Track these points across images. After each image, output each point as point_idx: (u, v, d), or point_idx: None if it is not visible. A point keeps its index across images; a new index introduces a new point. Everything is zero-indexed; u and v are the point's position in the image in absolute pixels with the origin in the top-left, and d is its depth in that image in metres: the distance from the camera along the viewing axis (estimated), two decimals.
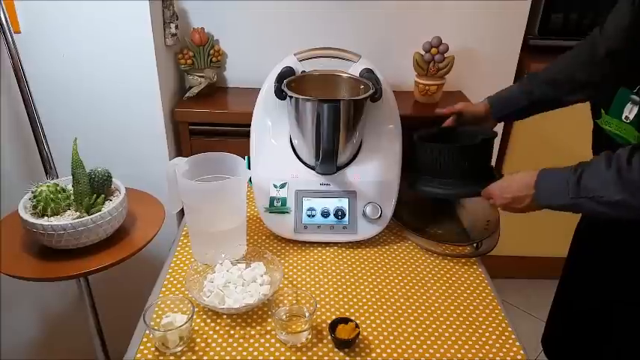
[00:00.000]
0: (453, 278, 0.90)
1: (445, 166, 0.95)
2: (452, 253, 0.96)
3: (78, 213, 0.94)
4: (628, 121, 0.76)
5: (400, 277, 0.89)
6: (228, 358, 0.72)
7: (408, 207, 1.07)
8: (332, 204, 0.97)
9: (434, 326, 0.79)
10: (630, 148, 0.68)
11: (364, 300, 0.84)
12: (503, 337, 0.77)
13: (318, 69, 1.03)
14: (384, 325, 0.79)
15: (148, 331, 0.75)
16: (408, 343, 0.76)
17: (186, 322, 0.72)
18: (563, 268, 1.03)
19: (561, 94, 0.96)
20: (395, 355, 0.74)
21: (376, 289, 0.86)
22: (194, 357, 0.72)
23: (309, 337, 0.76)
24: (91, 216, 0.90)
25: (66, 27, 1.11)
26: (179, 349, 0.73)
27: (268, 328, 0.77)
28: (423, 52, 1.32)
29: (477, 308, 0.83)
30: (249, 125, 1.02)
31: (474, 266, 0.93)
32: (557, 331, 1.03)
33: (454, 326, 0.79)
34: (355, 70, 1.00)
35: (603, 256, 0.90)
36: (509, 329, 0.79)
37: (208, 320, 0.79)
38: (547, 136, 1.61)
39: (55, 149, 1.15)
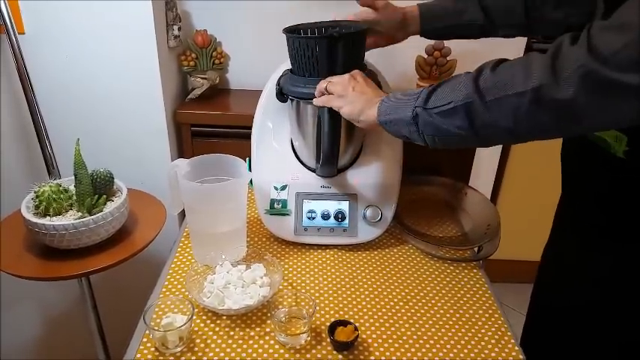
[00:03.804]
0: (453, 282, 0.90)
1: (308, 61, 0.84)
2: (452, 257, 0.96)
3: (80, 213, 0.95)
4: None
5: (400, 281, 0.89)
6: (227, 358, 0.72)
7: (408, 210, 1.07)
8: (332, 206, 0.97)
9: (433, 330, 0.79)
10: (500, 58, 0.61)
11: (363, 303, 0.84)
12: (503, 342, 0.77)
13: None
14: (383, 328, 0.79)
15: (148, 332, 0.76)
16: (407, 346, 0.76)
17: (186, 323, 0.73)
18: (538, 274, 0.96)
19: (494, 25, 0.89)
20: (394, 358, 0.73)
21: (376, 292, 0.86)
22: (193, 357, 0.73)
23: (308, 339, 0.76)
24: (93, 216, 0.91)
25: (69, 28, 1.12)
26: (179, 349, 0.73)
27: (267, 329, 0.78)
28: (425, 55, 1.32)
29: (477, 312, 0.83)
30: (250, 127, 1.02)
31: (474, 270, 0.93)
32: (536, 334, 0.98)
33: (453, 330, 0.79)
34: None
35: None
36: (509, 333, 0.79)
37: (208, 321, 0.79)
38: (550, 141, 1.61)
39: (58, 150, 1.16)
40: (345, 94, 0.78)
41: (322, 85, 0.81)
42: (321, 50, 0.83)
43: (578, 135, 0.73)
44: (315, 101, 0.83)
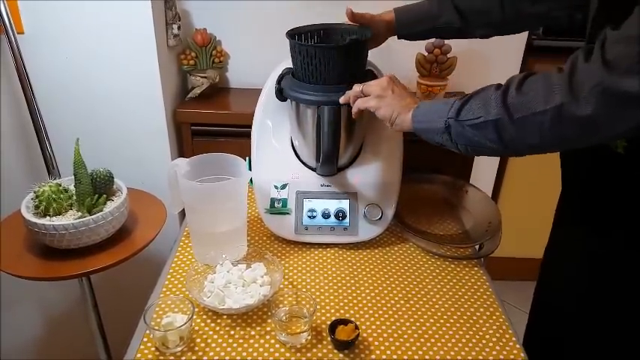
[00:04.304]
0: (454, 280, 0.90)
1: (316, 69, 0.84)
2: (453, 255, 0.96)
3: (80, 213, 0.94)
4: None
5: (401, 279, 0.89)
6: (227, 358, 0.72)
7: (409, 208, 1.07)
8: (333, 205, 0.96)
9: (434, 328, 0.79)
10: (525, 73, 0.63)
11: (364, 301, 0.84)
12: (504, 339, 0.77)
13: None
14: (383, 327, 0.79)
15: (148, 331, 0.76)
16: (407, 344, 0.75)
17: (186, 323, 0.73)
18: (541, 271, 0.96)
19: (469, 26, 0.91)
20: (395, 356, 0.73)
21: (376, 291, 0.86)
22: (194, 357, 0.72)
23: (309, 338, 0.76)
24: (93, 216, 0.91)
25: (69, 28, 1.12)
26: (179, 349, 0.73)
27: (268, 328, 0.78)
28: (425, 53, 1.32)
29: (478, 310, 0.83)
30: (250, 126, 1.02)
31: (475, 268, 0.93)
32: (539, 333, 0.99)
33: (454, 328, 0.79)
34: None
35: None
36: (510, 331, 0.79)
37: (208, 320, 0.79)
38: None
39: (58, 149, 1.16)
40: (384, 96, 0.79)
41: (357, 88, 0.81)
42: (333, 59, 0.82)
43: (602, 143, 0.74)
44: (353, 112, 0.83)
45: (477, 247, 0.98)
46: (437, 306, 0.83)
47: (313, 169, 0.98)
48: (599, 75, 0.53)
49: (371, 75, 0.92)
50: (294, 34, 0.89)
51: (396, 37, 0.98)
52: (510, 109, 0.62)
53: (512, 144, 0.64)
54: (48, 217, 0.92)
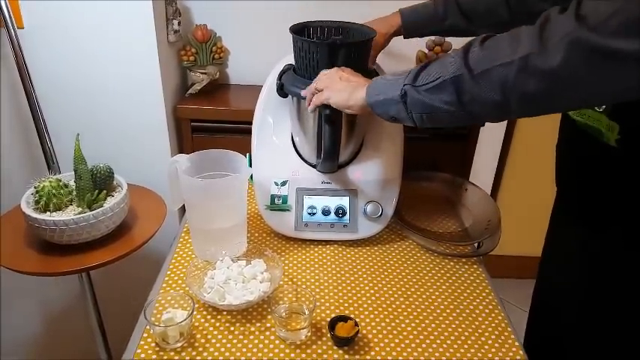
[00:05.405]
0: (453, 278, 0.90)
1: (309, 64, 0.85)
2: (452, 253, 0.96)
3: (80, 208, 0.94)
4: (601, 110, 0.69)
5: (400, 276, 0.90)
6: (227, 354, 0.73)
7: (409, 206, 1.07)
8: (333, 202, 0.97)
9: (433, 325, 0.79)
10: (488, 34, 0.61)
11: (364, 298, 0.84)
12: (503, 337, 0.77)
13: None
14: (383, 324, 0.79)
15: (148, 327, 0.76)
16: (407, 342, 0.76)
17: (186, 318, 0.73)
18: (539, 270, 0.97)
19: (475, 27, 0.91)
20: (394, 353, 0.74)
21: (376, 288, 0.86)
22: (194, 352, 0.73)
23: (309, 334, 0.76)
24: (93, 212, 0.91)
25: (69, 23, 1.12)
26: (179, 344, 0.74)
27: (268, 325, 0.78)
28: (426, 51, 1.32)
29: (477, 308, 0.83)
30: (251, 122, 1.02)
31: (475, 266, 0.93)
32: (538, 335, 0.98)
33: (453, 325, 0.79)
34: None
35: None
36: (509, 329, 0.79)
37: (208, 316, 0.79)
38: (550, 136, 1.61)
39: (58, 145, 1.16)
40: (332, 85, 0.78)
41: (312, 85, 0.81)
42: (321, 55, 0.83)
43: (571, 109, 0.72)
44: (309, 109, 0.83)
45: (476, 245, 0.98)
46: (436, 304, 0.83)
47: (314, 166, 0.98)
48: (572, 26, 0.50)
49: (374, 74, 0.92)
50: (300, 28, 0.88)
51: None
52: (471, 65, 0.58)
53: (473, 104, 0.60)
54: (48, 213, 0.92)
